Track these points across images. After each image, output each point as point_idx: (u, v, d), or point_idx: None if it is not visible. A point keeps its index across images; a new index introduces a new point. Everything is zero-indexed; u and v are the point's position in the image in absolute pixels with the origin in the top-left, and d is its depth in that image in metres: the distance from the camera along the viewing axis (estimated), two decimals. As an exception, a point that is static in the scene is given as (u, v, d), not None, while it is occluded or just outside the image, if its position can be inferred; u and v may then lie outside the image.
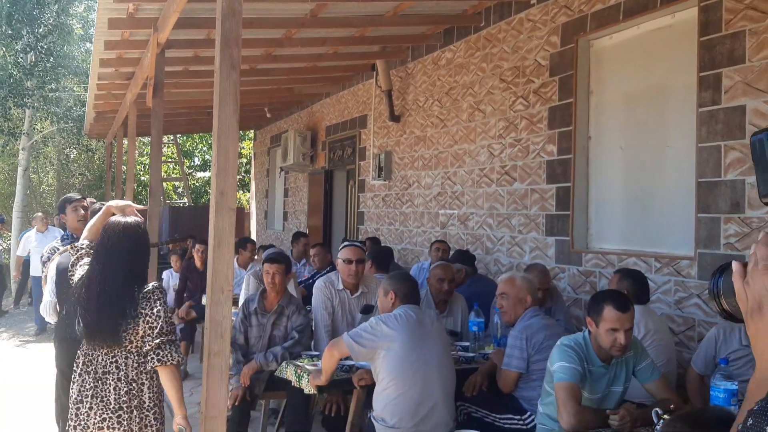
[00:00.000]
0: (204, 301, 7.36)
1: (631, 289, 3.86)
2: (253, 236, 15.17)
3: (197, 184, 23.18)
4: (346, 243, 4.74)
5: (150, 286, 3.26)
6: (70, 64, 16.22)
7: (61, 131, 16.92)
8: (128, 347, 3.20)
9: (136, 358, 3.22)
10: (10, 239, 15.54)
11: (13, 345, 9.60)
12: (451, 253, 6.63)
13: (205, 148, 23.25)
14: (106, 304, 3.18)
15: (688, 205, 4.53)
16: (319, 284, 4.68)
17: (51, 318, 4.33)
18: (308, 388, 3.80)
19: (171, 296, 8.35)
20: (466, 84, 7.05)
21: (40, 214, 10.13)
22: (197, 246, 7.80)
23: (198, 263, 7.76)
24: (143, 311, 3.18)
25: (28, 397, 6.43)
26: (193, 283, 7.75)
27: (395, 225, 8.58)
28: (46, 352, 7.19)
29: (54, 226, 10.99)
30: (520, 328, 3.71)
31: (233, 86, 3.15)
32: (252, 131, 17.07)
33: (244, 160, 22.55)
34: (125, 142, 12.14)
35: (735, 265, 0.91)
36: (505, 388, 3.69)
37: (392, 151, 8.66)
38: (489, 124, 6.63)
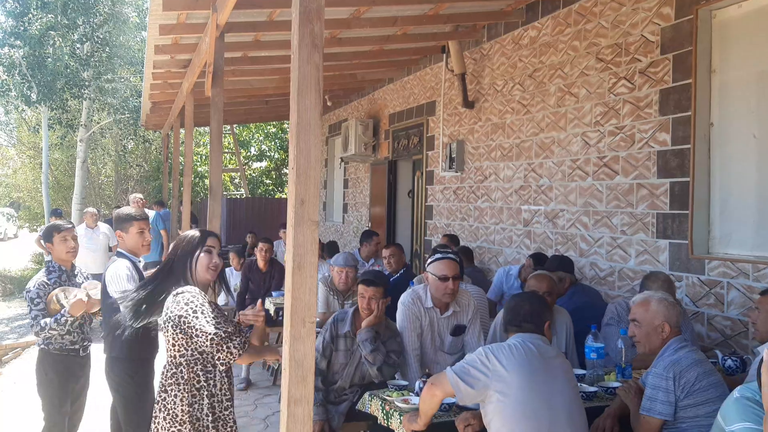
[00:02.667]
0: (267, 304, 6.87)
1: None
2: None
3: (254, 174, 22.89)
4: (438, 254, 4.07)
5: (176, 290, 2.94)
6: (126, 54, 16.01)
7: (118, 122, 16.76)
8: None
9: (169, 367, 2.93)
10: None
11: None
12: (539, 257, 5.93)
13: (261, 138, 22.92)
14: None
15: None
16: (405, 300, 4.05)
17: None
18: (400, 430, 3.18)
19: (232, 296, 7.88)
20: (554, 65, 6.30)
21: (91, 209, 9.77)
22: (260, 245, 7.28)
23: (261, 263, 7.25)
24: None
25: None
26: (255, 284, 7.25)
27: (469, 221, 7.90)
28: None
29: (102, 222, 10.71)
30: (666, 365, 3.00)
31: (315, 71, 2.53)
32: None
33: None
34: (182, 132, 11.78)
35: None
36: (644, 437, 3.01)
37: (465, 140, 7.96)
38: (583, 109, 5.87)
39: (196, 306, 2.81)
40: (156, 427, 2.88)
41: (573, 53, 6.03)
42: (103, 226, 9.43)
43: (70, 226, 4.29)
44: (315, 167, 2.54)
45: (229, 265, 8.24)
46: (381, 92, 10.82)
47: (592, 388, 3.43)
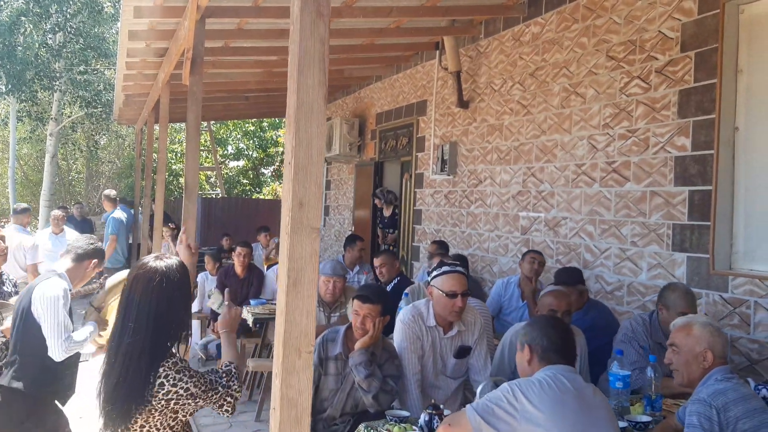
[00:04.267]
0: (244, 313, 6.38)
1: None
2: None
3: (230, 173, 22.27)
4: (446, 267, 3.61)
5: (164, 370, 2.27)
6: (99, 45, 15.38)
7: (90, 116, 16.12)
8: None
9: None
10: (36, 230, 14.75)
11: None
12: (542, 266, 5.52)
13: (239, 136, 22.31)
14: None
15: None
16: (405, 318, 3.59)
17: None
18: (404, 473, 2.73)
19: (207, 303, 7.37)
20: (558, 63, 5.90)
21: (57, 212, 8.53)
22: (238, 249, 6.78)
23: (238, 269, 6.74)
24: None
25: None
26: (232, 291, 6.74)
27: (461, 227, 7.47)
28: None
29: (74, 218, 9.81)
30: (710, 393, 2.59)
31: (319, 45, 2.08)
32: (290, 118, 16.07)
33: (281, 149, 21.59)
34: (156, 128, 11.21)
35: None
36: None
37: (458, 141, 7.54)
38: (591, 110, 5.48)
39: (195, 391, 2.30)
40: None
41: (580, 51, 5.63)
42: (71, 233, 8.28)
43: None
44: (317, 162, 2.08)
45: (204, 270, 7.72)
46: (368, 90, 10.37)
47: (621, 423, 3.00)
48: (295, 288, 2.04)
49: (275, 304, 6.45)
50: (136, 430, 2.26)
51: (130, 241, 9.63)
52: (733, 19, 4.37)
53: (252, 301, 6.39)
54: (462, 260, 6.21)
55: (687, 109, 4.57)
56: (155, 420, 2.26)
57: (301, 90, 2.06)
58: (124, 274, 3.22)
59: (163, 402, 2.23)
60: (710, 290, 4.36)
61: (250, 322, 5.98)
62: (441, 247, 6.70)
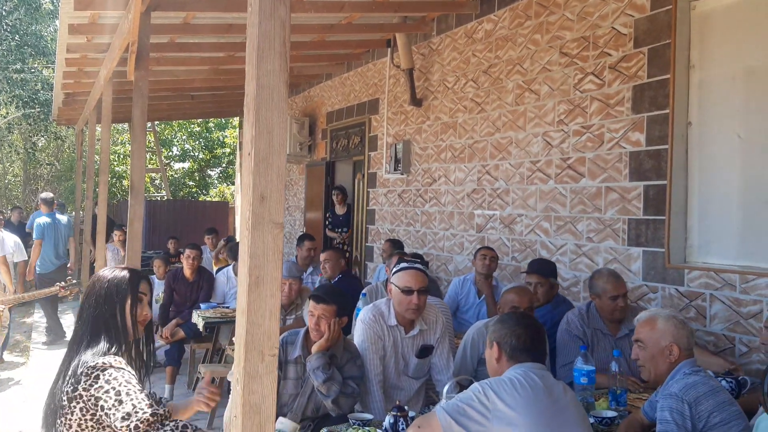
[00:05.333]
0: (194, 317, 6.16)
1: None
2: (239, 235, 13.91)
3: (176, 175, 21.75)
4: (403, 264, 3.53)
5: (95, 360, 2.19)
6: (37, 43, 14.80)
7: (27, 117, 15.47)
8: None
9: None
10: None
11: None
12: (502, 260, 5.50)
13: (184, 137, 21.80)
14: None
15: None
16: (365, 317, 3.48)
17: None
18: (370, 479, 2.62)
19: (154, 309, 7.10)
20: (512, 60, 5.89)
21: None
22: (187, 251, 6.55)
23: (187, 272, 6.51)
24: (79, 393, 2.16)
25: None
26: (181, 295, 6.52)
27: (415, 226, 7.41)
28: None
29: (11, 223, 9.35)
30: (680, 389, 2.56)
31: (280, 28, 1.96)
32: (237, 118, 15.76)
33: (228, 150, 21.20)
34: (98, 129, 10.80)
35: None
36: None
37: (411, 140, 7.47)
38: (545, 107, 5.47)
39: (120, 388, 2.13)
40: None
41: (533, 47, 5.63)
42: (9, 238, 7.50)
43: None
44: (279, 153, 1.96)
45: (152, 273, 7.45)
46: (318, 89, 10.22)
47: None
48: (258, 287, 1.92)
49: (226, 307, 6.30)
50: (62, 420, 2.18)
51: (67, 246, 9.15)
52: (685, 15, 4.41)
53: (202, 305, 6.18)
54: (420, 259, 6.16)
55: (641, 105, 4.60)
56: (74, 418, 2.15)
57: (261, 76, 1.94)
58: None
59: (74, 403, 2.14)
60: (666, 284, 4.40)
61: (200, 326, 5.78)
62: (395, 245, 6.62)
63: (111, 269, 2.44)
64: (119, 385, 2.12)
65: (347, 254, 8.83)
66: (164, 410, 2.14)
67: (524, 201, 5.69)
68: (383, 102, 8.06)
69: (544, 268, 4.59)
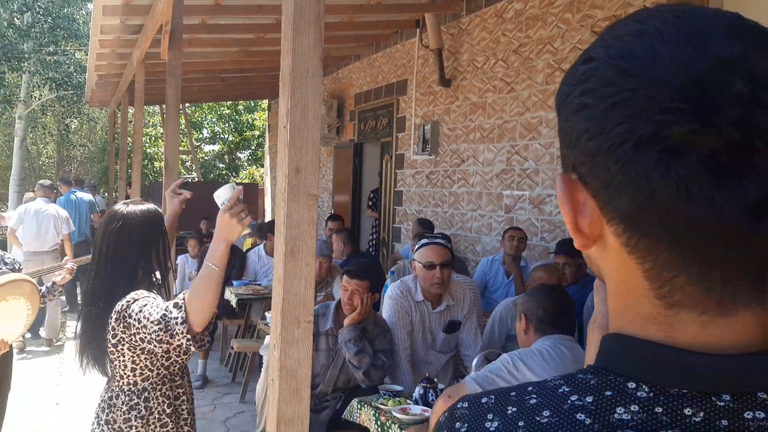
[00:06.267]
0: (227, 294, 6.28)
1: None
2: (268, 216, 14.06)
3: (206, 158, 22.00)
4: (425, 240, 3.58)
5: (122, 301, 2.17)
6: (69, 26, 15.00)
7: (61, 99, 15.75)
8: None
9: (127, 399, 2.23)
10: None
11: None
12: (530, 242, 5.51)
13: (214, 119, 22.01)
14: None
15: None
16: (393, 293, 3.54)
17: None
18: (400, 447, 2.69)
19: (188, 287, 7.26)
20: (542, 39, 5.86)
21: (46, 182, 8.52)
22: (218, 230, 6.66)
23: (219, 250, 6.63)
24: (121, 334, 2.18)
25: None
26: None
27: (443, 207, 7.43)
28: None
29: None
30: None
31: (315, 2, 2.00)
32: (266, 101, 15.86)
33: (257, 132, 21.35)
34: (130, 111, 10.99)
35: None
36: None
37: (440, 120, 7.48)
38: (575, 87, 5.44)
39: (150, 310, 2.13)
40: None
41: (564, 26, 5.59)
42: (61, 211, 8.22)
43: None
44: (314, 126, 2.01)
45: (186, 252, 7.61)
46: (346, 71, 10.25)
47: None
48: (293, 256, 1.98)
49: (258, 284, 6.41)
50: (113, 368, 2.24)
51: (91, 223, 9.70)
52: (720, -8, 4.35)
53: (234, 282, 6.30)
54: (444, 236, 6.20)
55: (673, 84, 4.55)
56: (126, 358, 2.20)
57: (296, 50, 1.98)
58: (6, 277, 3.09)
59: (120, 340, 2.17)
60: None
61: (233, 303, 5.90)
62: (425, 226, 6.67)
63: (134, 204, 2.34)
64: (148, 309, 2.12)
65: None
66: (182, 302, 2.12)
67: (554, 181, 5.68)
68: (411, 83, 8.07)
69: (572, 248, 4.59)
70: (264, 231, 7.07)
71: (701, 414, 0.50)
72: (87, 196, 9.94)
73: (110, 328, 2.19)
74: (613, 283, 0.59)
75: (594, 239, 0.57)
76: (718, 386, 0.51)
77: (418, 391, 2.89)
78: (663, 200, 0.51)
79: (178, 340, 2.09)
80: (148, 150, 19.57)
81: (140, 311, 2.13)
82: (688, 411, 0.51)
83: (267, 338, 4.67)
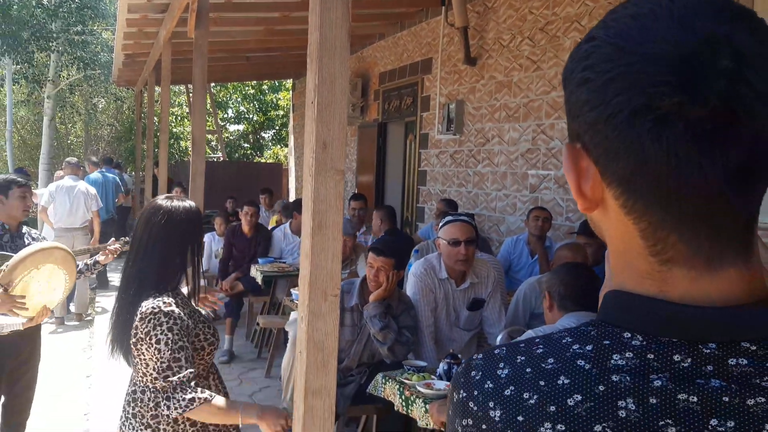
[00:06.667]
0: (253, 272, 6.37)
1: None
2: (292, 196, 14.13)
3: (231, 137, 22.13)
4: (449, 217, 3.60)
5: (149, 305, 2.17)
6: (96, 5, 15.11)
7: (88, 79, 15.91)
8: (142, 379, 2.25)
9: (153, 396, 2.21)
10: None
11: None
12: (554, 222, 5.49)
13: (239, 99, 22.10)
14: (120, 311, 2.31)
15: None
16: (417, 271, 3.57)
17: None
18: (424, 420, 2.72)
19: (214, 264, 7.36)
20: (569, 17, 5.78)
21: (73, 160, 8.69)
22: (245, 208, 6.74)
23: (245, 228, 6.71)
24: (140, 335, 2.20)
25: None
26: (240, 250, 6.72)
27: (467, 187, 7.42)
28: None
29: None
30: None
31: (343, -23, 2.00)
32: (290, 81, 15.88)
33: (281, 112, 21.41)
34: (156, 90, 11.07)
35: None
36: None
37: (465, 99, 7.44)
38: (603, 65, 5.37)
39: (169, 335, 2.14)
40: None
41: (592, 4, 5.51)
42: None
43: (29, 183, 3.71)
44: (341, 101, 2.02)
45: (212, 230, 7.70)
46: (371, 49, 10.22)
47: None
48: (321, 231, 2.00)
49: (283, 262, 6.48)
50: (135, 363, 2.26)
51: (117, 202, 9.99)
52: (754, -33, 4.26)
53: (260, 260, 6.37)
54: (469, 216, 6.21)
55: (703, 61, 4.48)
56: (147, 358, 2.18)
57: (324, 25, 2.00)
58: (32, 248, 3.14)
59: (140, 339, 2.17)
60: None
61: (259, 280, 5.97)
62: (449, 205, 6.67)
63: (180, 200, 2.36)
64: (169, 333, 2.13)
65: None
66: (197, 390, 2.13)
67: (579, 161, 5.64)
68: (436, 61, 8.02)
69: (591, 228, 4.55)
70: (290, 210, 7.13)
71: (689, 360, 0.56)
72: (113, 176, 10.15)
73: (134, 326, 2.19)
74: (613, 243, 0.65)
75: (596, 202, 0.63)
76: (704, 335, 0.57)
77: (442, 367, 2.92)
78: (655, 165, 0.56)
79: (170, 396, 2.09)
80: (174, 129, 19.73)
81: (165, 336, 2.12)
82: (677, 357, 0.57)
83: (293, 314, 4.73)
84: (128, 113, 18.96)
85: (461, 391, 0.66)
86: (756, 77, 0.53)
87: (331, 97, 2.00)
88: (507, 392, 0.62)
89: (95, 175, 9.73)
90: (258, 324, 6.01)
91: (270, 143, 22.67)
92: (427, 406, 2.69)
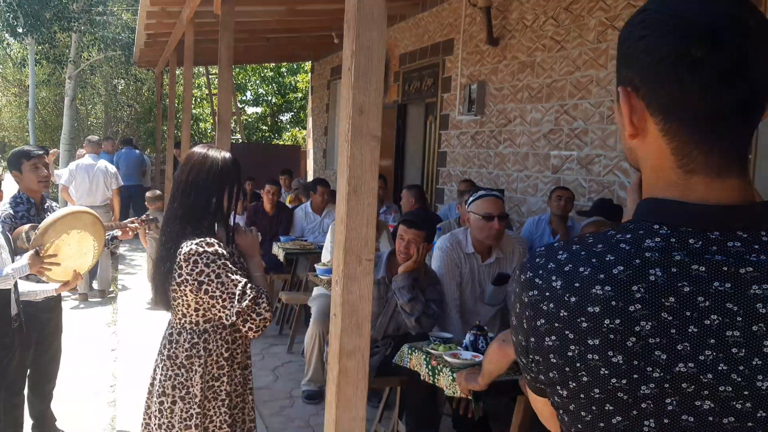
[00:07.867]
0: (275, 249, 6.42)
1: None
2: (310, 177, 14.18)
3: (249, 120, 22.19)
4: (481, 192, 3.61)
5: (191, 246, 2.27)
6: (117, -15, 15.16)
7: (109, 60, 15.99)
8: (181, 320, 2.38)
9: (189, 337, 2.34)
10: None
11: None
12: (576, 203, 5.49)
13: (257, 81, 22.13)
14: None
15: None
16: (443, 245, 3.59)
17: None
18: (452, 389, 2.76)
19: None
20: (595, -4, 5.74)
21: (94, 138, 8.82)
22: (267, 187, 6.79)
23: (267, 206, 6.76)
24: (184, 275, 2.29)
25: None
26: (262, 229, 6.76)
27: (488, 168, 7.41)
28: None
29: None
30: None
31: (381, -56, 2.01)
32: (309, 63, 15.87)
33: (300, 95, 21.42)
34: (178, 71, 11.13)
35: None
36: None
37: (487, 80, 7.42)
38: (629, 44, 5.33)
39: (219, 271, 2.25)
40: (168, 410, 2.32)
41: (619, -18, 5.47)
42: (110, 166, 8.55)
43: (41, 152, 3.73)
44: (378, 68, 2.05)
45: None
46: (391, 30, 10.18)
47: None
48: (356, 195, 2.03)
49: (304, 240, 6.53)
50: (176, 305, 2.36)
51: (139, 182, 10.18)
52: (786, -57, 4.21)
53: (282, 238, 6.42)
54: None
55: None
56: (189, 299, 2.31)
57: (362, -8, 2.01)
58: (61, 212, 3.18)
59: (184, 281, 2.27)
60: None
61: (281, 257, 6.02)
62: (471, 186, 6.68)
63: (216, 150, 2.44)
64: (217, 268, 2.24)
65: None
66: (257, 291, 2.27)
67: (603, 141, 5.62)
68: (458, 42, 7.99)
69: (609, 213, 4.53)
70: (308, 189, 7.17)
71: (700, 242, 0.78)
72: (134, 153, 10.28)
73: (176, 266, 2.28)
74: (648, 161, 0.86)
75: (640, 130, 0.84)
76: (711, 225, 0.79)
77: (468, 338, 2.95)
78: (689, 94, 0.78)
79: (252, 321, 2.25)
80: (194, 111, 19.82)
81: (215, 271, 2.24)
82: (691, 240, 0.78)
83: (316, 289, 4.78)
84: (147, 94, 19.07)
85: (527, 272, 0.86)
86: (755, 41, 0.77)
87: (368, 65, 2.02)
88: (566, 268, 0.82)
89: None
90: (279, 300, 6.07)
91: (288, 125, 22.71)
92: (455, 374, 2.72)
